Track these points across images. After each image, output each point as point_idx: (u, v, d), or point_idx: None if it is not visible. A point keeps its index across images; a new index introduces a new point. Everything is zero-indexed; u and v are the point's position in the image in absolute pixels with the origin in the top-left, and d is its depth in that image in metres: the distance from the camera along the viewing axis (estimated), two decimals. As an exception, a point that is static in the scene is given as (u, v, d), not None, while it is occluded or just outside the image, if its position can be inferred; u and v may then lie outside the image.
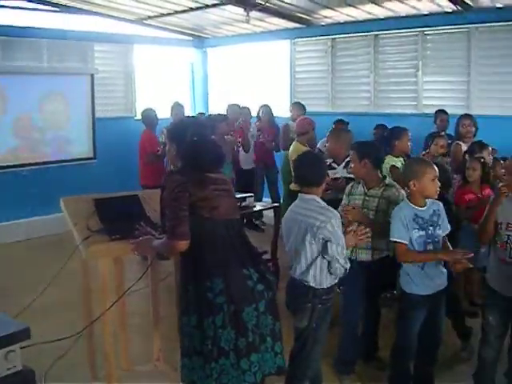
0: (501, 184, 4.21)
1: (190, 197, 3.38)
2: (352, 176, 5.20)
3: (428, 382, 4.54)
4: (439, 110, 8.49)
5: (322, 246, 3.81)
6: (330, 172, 5.66)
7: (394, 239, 4.12)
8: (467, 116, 7.56)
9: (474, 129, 7.36)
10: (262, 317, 3.45)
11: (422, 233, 4.15)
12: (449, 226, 4.31)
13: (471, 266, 4.15)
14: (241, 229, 3.72)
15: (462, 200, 5.96)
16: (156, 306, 4.87)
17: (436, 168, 4.24)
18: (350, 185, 4.98)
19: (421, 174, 4.15)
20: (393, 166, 6.05)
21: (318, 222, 3.77)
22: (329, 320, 4.10)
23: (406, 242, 4.09)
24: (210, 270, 3.38)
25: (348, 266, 3.91)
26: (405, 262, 4.19)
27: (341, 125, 8.25)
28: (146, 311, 5.00)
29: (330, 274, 3.89)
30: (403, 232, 4.10)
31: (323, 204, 3.96)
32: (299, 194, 4.06)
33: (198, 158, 3.55)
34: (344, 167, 5.97)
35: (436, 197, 4.27)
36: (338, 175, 5.86)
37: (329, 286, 3.93)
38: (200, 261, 3.41)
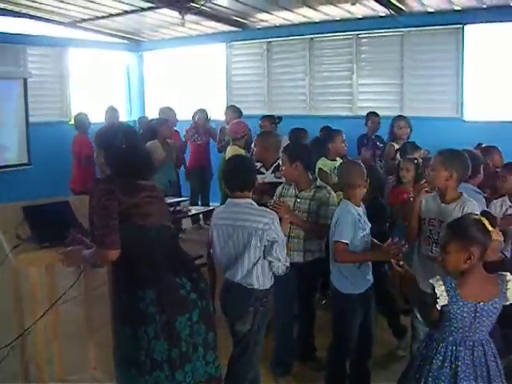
0: (423, 181, 4.32)
1: (120, 205, 3.26)
2: (280, 181, 5.20)
3: (365, 379, 4.57)
4: (370, 112, 8.58)
5: (266, 247, 3.79)
6: (258, 177, 5.65)
7: (343, 240, 4.11)
8: (402, 117, 7.69)
9: (408, 130, 7.48)
10: (196, 326, 3.36)
11: (364, 232, 4.20)
12: (369, 224, 4.38)
13: (401, 256, 4.21)
14: (174, 236, 3.63)
15: (396, 200, 6.04)
16: (90, 313, 4.77)
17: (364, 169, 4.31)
18: (281, 186, 4.95)
19: (358, 176, 4.23)
20: (320, 169, 6.10)
21: (262, 225, 3.75)
22: (267, 322, 4.10)
23: (348, 243, 4.12)
24: (142, 279, 3.27)
25: (288, 263, 3.92)
26: (345, 262, 4.20)
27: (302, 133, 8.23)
28: (82, 319, 4.89)
29: (273, 273, 3.90)
30: (350, 233, 4.12)
31: (259, 207, 3.97)
32: (229, 199, 4.01)
33: (128, 164, 3.43)
34: (272, 172, 5.94)
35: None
36: (266, 180, 5.79)
37: (269, 287, 3.92)
38: (132, 270, 3.30)
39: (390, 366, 5.04)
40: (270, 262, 3.85)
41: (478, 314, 3.03)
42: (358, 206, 4.23)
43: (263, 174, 5.78)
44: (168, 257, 3.40)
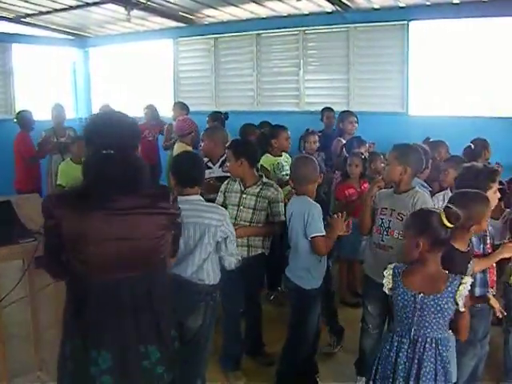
0: (380, 176, 4.40)
1: (61, 228, 2.50)
2: (228, 175, 5.19)
3: (313, 372, 4.61)
4: (326, 108, 8.67)
5: (219, 243, 3.79)
6: (206, 172, 5.64)
7: (321, 233, 4.15)
8: (350, 113, 7.76)
9: (357, 125, 7.56)
10: None
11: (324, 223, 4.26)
12: None
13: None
14: (149, 289, 2.65)
15: (342, 195, 6.09)
16: (36, 314, 4.67)
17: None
18: (226, 182, 4.96)
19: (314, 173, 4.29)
20: (261, 166, 6.13)
21: (215, 221, 3.73)
22: (216, 317, 4.09)
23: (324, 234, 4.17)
24: (97, 335, 2.55)
25: (239, 257, 3.95)
26: (326, 252, 4.25)
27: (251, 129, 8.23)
28: (29, 320, 4.80)
29: (225, 267, 3.89)
30: (322, 225, 4.17)
31: (210, 203, 3.97)
32: (180, 197, 3.97)
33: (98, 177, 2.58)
34: (220, 166, 5.93)
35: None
36: (213, 175, 5.78)
37: (217, 282, 3.91)
38: (83, 319, 2.56)
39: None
40: (220, 257, 3.84)
41: (417, 306, 3.05)
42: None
43: (211, 168, 5.76)
44: (133, 317, 2.60)
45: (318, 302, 4.32)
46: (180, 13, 10.20)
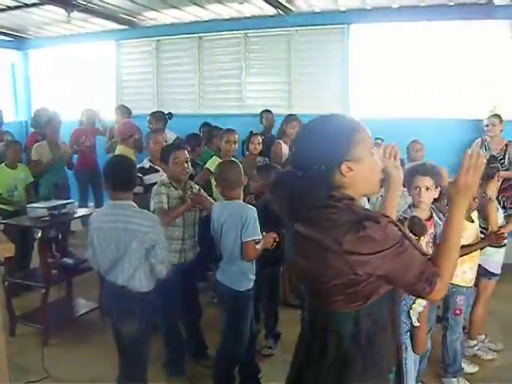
0: None
1: None
2: None
3: (255, 373, 4.63)
4: (265, 110, 8.72)
5: (148, 250, 3.74)
6: (155, 175, 5.63)
7: (254, 238, 4.14)
8: (295, 117, 7.79)
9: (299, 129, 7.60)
10: None
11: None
12: None
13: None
14: None
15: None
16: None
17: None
18: (163, 186, 4.92)
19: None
20: (207, 169, 6.15)
21: (144, 228, 3.69)
22: (153, 321, 4.07)
23: (259, 239, 4.17)
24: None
25: (169, 265, 3.90)
26: (254, 258, 4.24)
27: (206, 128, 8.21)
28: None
29: (155, 276, 3.84)
30: (258, 230, 4.18)
31: (142, 210, 3.91)
32: (110, 201, 3.91)
33: None
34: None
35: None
36: (164, 177, 5.74)
37: (152, 288, 3.89)
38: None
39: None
40: (151, 265, 3.80)
41: None
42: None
43: (158, 171, 5.71)
44: None
45: (251, 303, 4.33)
46: (121, 15, 10.08)
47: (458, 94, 8.67)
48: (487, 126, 7.77)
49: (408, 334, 3.14)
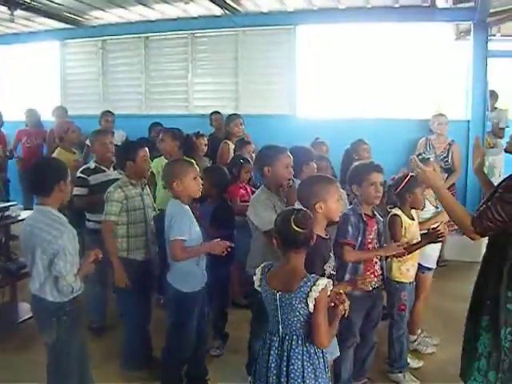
0: None
1: None
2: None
3: (203, 375, 4.59)
4: (214, 112, 8.71)
5: (51, 260, 3.54)
6: (101, 175, 5.55)
7: (178, 237, 4.06)
8: (237, 115, 7.78)
9: (243, 127, 7.60)
10: None
11: (198, 228, 4.22)
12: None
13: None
14: None
15: (234, 197, 6.10)
16: None
17: (197, 167, 4.29)
18: (119, 190, 4.84)
19: (182, 174, 4.17)
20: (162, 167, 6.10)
21: (50, 237, 3.51)
22: (80, 330, 3.95)
23: (186, 240, 4.09)
24: None
25: (77, 286, 3.66)
26: (185, 259, 4.16)
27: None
28: None
29: (58, 291, 3.63)
30: (186, 230, 4.09)
31: (59, 217, 3.68)
32: (35, 206, 3.75)
33: None
34: (115, 169, 5.81)
35: (199, 195, 4.33)
36: (111, 177, 5.62)
37: (71, 298, 3.70)
38: None
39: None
40: (57, 278, 3.59)
41: (278, 304, 3.06)
42: (186, 204, 4.24)
43: (104, 171, 5.63)
44: None
45: (197, 304, 4.27)
46: (66, 14, 9.91)
47: (404, 94, 8.81)
48: (438, 124, 7.91)
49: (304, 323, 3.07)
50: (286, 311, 3.04)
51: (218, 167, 6.02)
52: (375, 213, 4.36)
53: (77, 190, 5.40)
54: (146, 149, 4.95)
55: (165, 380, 4.45)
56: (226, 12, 9.02)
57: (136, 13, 9.50)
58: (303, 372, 3.02)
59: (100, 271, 4.40)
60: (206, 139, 7.09)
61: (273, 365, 3.09)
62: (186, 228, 4.08)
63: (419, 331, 5.37)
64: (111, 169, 5.73)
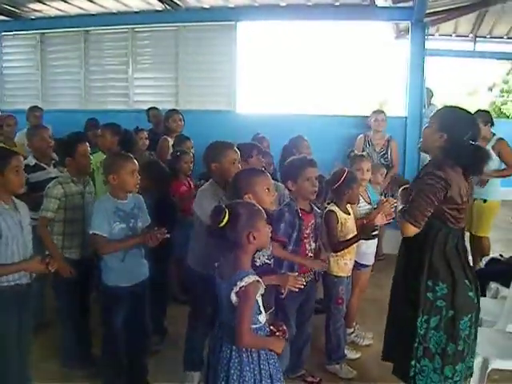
0: None
1: None
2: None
3: (142, 373, 4.55)
4: (151, 108, 8.66)
5: None
6: (42, 173, 5.43)
7: (95, 232, 4.04)
8: (175, 111, 7.75)
9: (182, 123, 7.57)
10: (473, 328, 3.53)
11: (124, 225, 4.15)
12: (149, 219, 4.39)
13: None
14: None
15: (177, 192, 6.08)
16: None
17: (135, 161, 4.26)
18: (60, 186, 4.76)
19: (118, 168, 4.14)
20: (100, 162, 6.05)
21: None
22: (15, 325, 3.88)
23: (106, 235, 4.05)
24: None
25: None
26: (107, 253, 4.13)
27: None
28: None
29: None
30: (105, 225, 4.05)
31: None
32: None
33: None
34: (55, 167, 5.71)
35: (136, 190, 4.31)
36: (52, 175, 5.53)
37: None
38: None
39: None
40: None
41: (217, 291, 3.11)
42: (123, 199, 4.20)
43: (44, 169, 5.51)
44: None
45: (122, 301, 4.23)
46: (3, 5, 9.69)
47: (345, 91, 8.93)
48: (374, 121, 8.02)
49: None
50: (221, 299, 3.07)
51: (154, 161, 6.00)
52: (313, 207, 4.41)
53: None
54: (87, 144, 4.86)
55: (104, 378, 4.40)
56: (167, 7, 8.99)
57: (76, 6, 9.35)
58: (229, 360, 3.01)
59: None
60: (146, 134, 7.05)
61: (215, 353, 3.10)
62: (103, 223, 4.06)
63: (355, 324, 5.47)
64: (51, 166, 5.63)
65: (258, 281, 2.95)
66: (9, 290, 3.69)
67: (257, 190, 3.60)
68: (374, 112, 8.20)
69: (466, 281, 3.43)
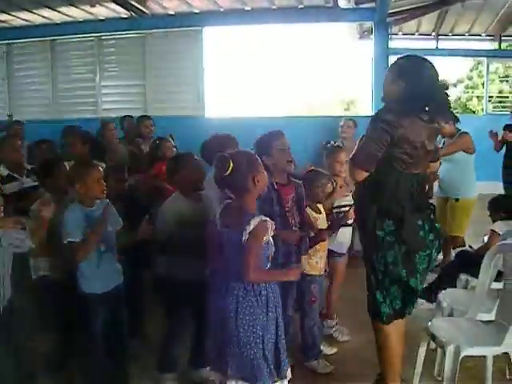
0: None
1: None
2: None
3: (122, 378, 4.56)
4: (126, 116, 8.65)
5: None
6: (14, 184, 5.43)
7: (70, 239, 4.04)
8: (147, 117, 7.77)
9: (153, 128, 7.61)
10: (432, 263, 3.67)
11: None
12: (121, 221, 4.41)
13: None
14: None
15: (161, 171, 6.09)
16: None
17: (100, 169, 4.28)
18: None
19: (84, 176, 4.16)
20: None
21: None
22: None
23: (77, 240, 4.07)
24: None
25: None
26: (83, 257, 4.14)
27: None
28: None
29: None
30: (76, 231, 4.07)
31: None
32: None
33: None
34: (28, 177, 5.68)
35: (104, 196, 4.32)
36: (26, 185, 5.50)
37: None
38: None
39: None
40: None
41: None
42: (92, 206, 4.23)
43: (18, 179, 5.49)
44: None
45: (98, 308, 4.23)
46: (-33, 17, 9.66)
47: (311, 92, 9.02)
48: (342, 127, 8.11)
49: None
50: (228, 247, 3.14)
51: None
52: (290, 179, 4.41)
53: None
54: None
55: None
56: (133, 14, 9.01)
57: (41, 16, 9.34)
58: (237, 307, 3.09)
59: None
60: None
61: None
62: (75, 230, 4.07)
63: (335, 316, 5.51)
64: (24, 176, 5.62)
65: (264, 220, 3.05)
66: None
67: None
68: (347, 119, 8.28)
69: (419, 221, 3.49)
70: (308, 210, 4.75)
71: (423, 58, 3.60)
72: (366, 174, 3.45)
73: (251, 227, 2.98)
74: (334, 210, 5.11)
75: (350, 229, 5.35)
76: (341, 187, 5.18)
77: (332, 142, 6.36)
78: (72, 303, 4.51)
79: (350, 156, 3.52)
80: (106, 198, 4.28)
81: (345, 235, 5.30)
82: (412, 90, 3.46)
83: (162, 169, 5.96)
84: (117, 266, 4.33)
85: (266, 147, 4.21)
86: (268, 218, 3.08)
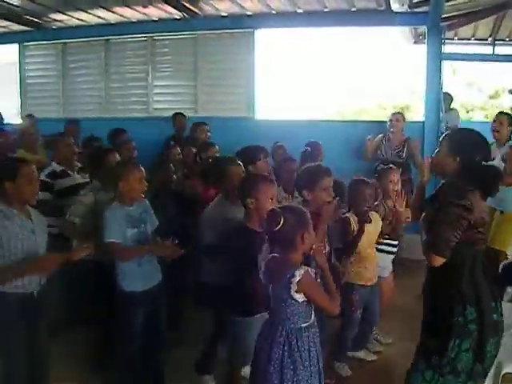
0: None
1: None
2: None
3: (158, 376, 4.60)
4: (176, 113, 8.76)
5: None
6: (69, 179, 5.53)
7: (111, 240, 4.10)
8: (204, 123, 7.91)
9: (209, 134, 7.73)
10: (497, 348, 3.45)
11: (135, 230, 4.23)
12: (156, 221, 4.46)
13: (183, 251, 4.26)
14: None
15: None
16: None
17: (142, 169, 4.32)
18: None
19: (128, 175, 4.22)
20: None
21: None
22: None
23: (121, 241, 4.12)
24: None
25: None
26: (126, 261, 4.18)
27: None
28: None
29: None
30: (118, 232, 4.12)
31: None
32: None
33: None
34: (78, 173, 5.81)
35: (143, 196, 4.37)
36: (79, 181, 5.62)
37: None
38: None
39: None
40: None
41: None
42: (131, 206, 4.27)
43: (70, 175, 5.64)
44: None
45: (139, 305, 4.27)
46: (26, 16, 9.85)
47: (362, 97, 8.95)
48: (391, 121, 8.11)
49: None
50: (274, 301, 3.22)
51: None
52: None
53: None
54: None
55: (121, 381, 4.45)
56: (186, 15, 9.06)
57: (96, 15, 9.47)
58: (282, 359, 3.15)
59: None
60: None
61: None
62: (117, 231, 4.13)
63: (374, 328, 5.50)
64: (75, 173, 5.75)
65: (308, 270, 3.10)
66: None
67: (260, 198, 3.79)
68: (395, 113, 8.38)
69: (493, 303, 3.36)
70: (352, 217, 4.76)
71: (476, 132, 3.53)
72: (443, 260, 3.32)
73: (296, 280, 3.03)
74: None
75: (391, 256, 5.36)
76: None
77: (381, 165, 6.18)
78: (111, 290, 4.56)
79: (426, 241, 3.40)
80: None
81: (386, 260, 5.31)
82: (468, 165, 3.42)
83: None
84: (156, 265, 4.38)
85: (312, 183, 4.17)
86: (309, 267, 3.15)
